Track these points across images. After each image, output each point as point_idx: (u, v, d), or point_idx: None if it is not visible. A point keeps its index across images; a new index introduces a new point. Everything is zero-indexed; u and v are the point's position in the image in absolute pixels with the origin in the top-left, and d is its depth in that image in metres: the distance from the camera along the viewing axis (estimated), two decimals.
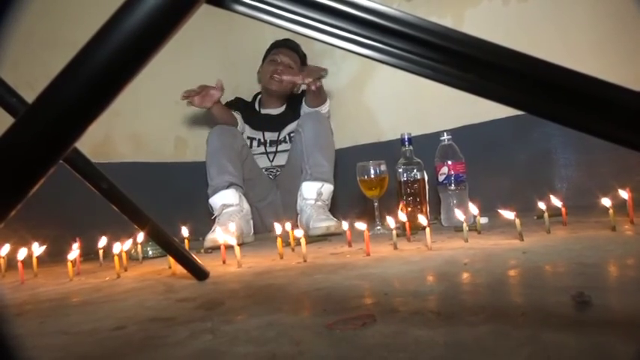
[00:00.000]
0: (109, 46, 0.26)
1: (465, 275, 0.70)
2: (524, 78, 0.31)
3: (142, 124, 1.95)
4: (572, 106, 0.31)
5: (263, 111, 2.11)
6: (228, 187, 1.68)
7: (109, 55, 0.26)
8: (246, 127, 2.08)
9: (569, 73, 0.29)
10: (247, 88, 2.31)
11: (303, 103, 1.99)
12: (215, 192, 1.68)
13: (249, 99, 2.20)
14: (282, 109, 2.13)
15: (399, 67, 0.31)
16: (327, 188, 1.74)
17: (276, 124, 2.07)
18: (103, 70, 0.26)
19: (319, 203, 1.68)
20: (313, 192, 1.70)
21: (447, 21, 1.89)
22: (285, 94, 2.12)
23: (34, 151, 0.26)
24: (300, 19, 0.28)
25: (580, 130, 0.31)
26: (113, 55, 0.26)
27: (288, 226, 1.31)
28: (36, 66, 1.64)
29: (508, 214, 1.06)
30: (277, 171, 1.99)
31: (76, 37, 1.50)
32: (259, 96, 2.17)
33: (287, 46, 2.11)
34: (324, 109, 1.98)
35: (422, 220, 1.11)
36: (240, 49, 2.30)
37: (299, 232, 1.12)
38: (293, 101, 2.12)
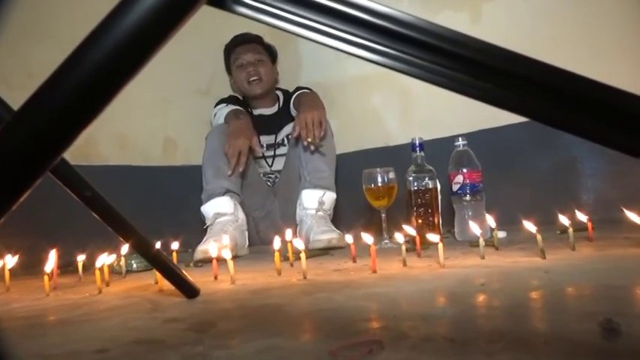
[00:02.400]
0: (102, 49, 0.26)
1: (481, 297, 0.70)
2: (542, 88, 0.31)
3: (127, 124, 1.96)
4: (591, 117, 0.31)
5: (255, 112, 2.11)
6: (223, 194, 1.68)
7: (103, 59, 0.26)
8: None
9: (589, 84, 0.30)
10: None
11: (292, 105, 2.00)
12: (209, 198, 1.69)
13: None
14: (275, 108, 2.13)
15: (411, 74, 0.32)
16: (329, 197, 1.74)
17: (271, 125, 2.07)
18: (96, 74, 0.26)
19: (321, 213, 1.69)
20: (314, 201, 1.70)
21: (463, 15, 1.90)
22: (273, 90, 2.13)
23: (21, 160, 0.27)
24: (305, 22, 0.28)
25: (602, 144, 0.31)
26: (107, 58, 0.26)
27: (288, 234, 1.31)
28: (13, 60, 1.65)
29: (530, 226, 1.06)
30: (276, 177, 1.99)
31: (58, 29, 1.52)
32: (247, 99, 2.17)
33: (241, 42, 2.10)
34: None
35: (434, 235, 1.11)
36: None
37: (299, 243, 1.12)
38: (287, 99, 2.13)
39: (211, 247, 1.20)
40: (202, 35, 2.18)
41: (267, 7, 0.28)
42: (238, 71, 2.08)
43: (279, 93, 2.17)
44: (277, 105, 2.13)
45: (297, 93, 1.99)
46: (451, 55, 0.30)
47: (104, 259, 1.14)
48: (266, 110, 2.12)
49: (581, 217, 1.20)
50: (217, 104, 2.04)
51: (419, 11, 2.00)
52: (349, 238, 1.24)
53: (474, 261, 1.04)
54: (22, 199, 0.29)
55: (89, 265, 1.32)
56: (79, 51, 0.27)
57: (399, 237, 1.14)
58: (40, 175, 0.28)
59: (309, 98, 1.89)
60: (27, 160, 0.27)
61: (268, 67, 2.10)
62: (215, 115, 1.98)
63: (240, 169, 1.71)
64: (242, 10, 0.28)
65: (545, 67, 0.31)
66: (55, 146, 0.27)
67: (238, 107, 1.95)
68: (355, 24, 0.30)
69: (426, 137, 1.61)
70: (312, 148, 1.75)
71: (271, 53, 2.17)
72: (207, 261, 1.37)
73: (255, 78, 2.04)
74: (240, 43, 2.10)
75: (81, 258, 1.30)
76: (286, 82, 2.29)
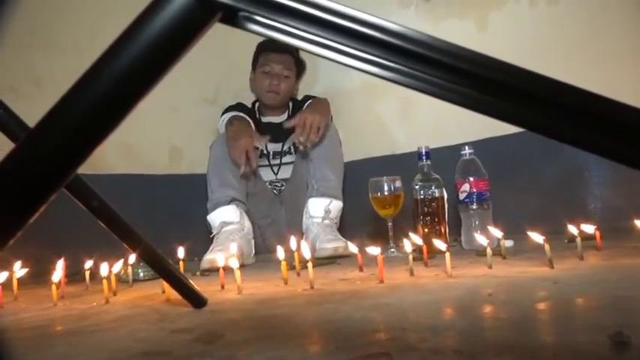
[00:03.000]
0: (115, 69, 0.27)
1: (489, 308, 0.70)
2: (543, 101, 0.31)
3: (133, 133, 1.96)
4: (591, 130, 0.31)
5: (264, 119, 2.12)
6: (229, 202, 1.69)
7: (116, 77, 0.27)
8: None
9: (589, 96, 0.30)
10: (250, 93, 2.32)
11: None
12: (215, 207, 1.69)
13: (250, 99, 2.21)
14: (284, 115, 2.14)
15: (419, 89, 0.32)
16: (336, 205, 1.74)
17: (279, 133, 2.08)
18: (108, 93, 0.27)
19: (327, 222, 1.69)
20: (320, 209, 1.70)
21: (469, 23, 1.91)
22: (285, 102, 2.14)
23: (37, 176, 0.27)
24: (321, 41, 0.29)
25: (603, 156, 0.31)
26: (119, 77, 0.27)
27: (293, 243, 1.31)
28: (19, 67, 1.67)
29: (537, 237, 1.06)
30: (282, 185, 2.00)
31: (62, 35, 1.53)
32: (257, 103, 2.17)
33: (277, 49, 2.03)
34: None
35: (441, 243, 1.11)
36: (244, 48, 2.30)
37: (306, 250, 1.12)
38: (297, 107, 2.14)
39: (218, 257, 1.20)
40: (209, 44, 2.19)
41: (280, 25, 0.28)
42: (262, 76, 2.05)
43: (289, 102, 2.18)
44: (287, 113, 2.13)
45: (311, 100, 1.99)
46: (454, 70, 0.31)
47: (111, 268, 1.14)
48: (275, 118, 2.12)
49: (589, 226, 1.19)
50: (224, 112, 2.04)
51: (425, 19, 2.01)
52: (355, 247, 1.24)
53: (482, 271, 1.04)
54: (37, 215, 0.29)
55: (96, 274, 1.32)
56: (91, 70, 0.27)
57: (406, 246, 1.14)
58: (55, 191, 0.28)
59: (317, 103, 1.91)
60: (43, 176, 0.27)
61: (290, 85, 2.08)
62: (224, 120, 1.98)
63: (254, 166, 1.71)
64: (255, 28, 0.28)
65: (545, 80, 0.31)
66: (70, 163, 0.28)
67: (237, 113, 1.95)
68: (367, 41, 0.30)
69: (432, 145, 1.61)
70: (302, 148, 1.75)
71: (299, 68, 2.13)
72: (213, 270, 1.38)
73: (274, 90, 2.03)
74: (276, 50, 2.03)
75: (88, 266, 1.31)
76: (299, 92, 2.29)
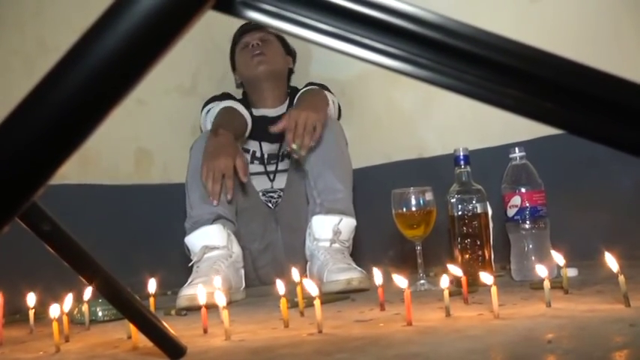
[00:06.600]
0: (91, 63, 0.27)
1: (550, 359, 0.70)
2: (613, 107, 0.32)
3: None
4: None
5: (256, 112, 2.13)
6: (213, 221, 1.69)
7: (91, 73, 0.27)
8: None
9: None
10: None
11: (294, 105, 2.00)
12: (195, 227, 1.69)
13: (238, 96, 2.23)
14: (282, 108, 2.14)
15: (455, 89, 0.33)
16: (347, 224, 1.73)
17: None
18: (82, 91, 0.28)
19: (337, 246, 1.69)
20: (328, 230, 1.70)
21: None
22: (282, 83, 2.15)
23: None
24: (334, 31, 0.29)
25: None
26: (97, 72, 0.27)
27: (295, 275, 1.31)
28: None
29: (610, 262, 1.06)
30: (279, 196, 2.00)
31: (1, 12, 1.53)
32: (247, 96, 2.21)
33: (250, 29, 2.14)
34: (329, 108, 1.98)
35: (485, 274, 1.11)
36: (229, 26, 2.32)
37: (312, 287, 1.12)
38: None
39: (199, 291, 1.20)
40: None
41: (284, 12, 0.29)
42: (241, 54, 2.13)
43: (288, 90, 2.19)
44: (285, 105, 2.14)
45: (303, 90, 2.00)
46: (502, 69, 0.31)
47: (62, 307, 1.15)
48: (270, 111, 2.12)
49: None
50: (207, 103, 2.06)
51: None
52: (375, 279, 1.24)
53: (538, 309, 1.04)
54: None
55: (42, 314, 1.33)
56: (61, 64, 0.28)
57: (440, 277, 1.14)
58: (12, 217, 0.29)
59: (310, 96, 1.91)
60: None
61: (275, 47, 2.14)
62: (208, 111, 2.00)
63: (229, 197, 1.71)
64: (255, 16, 0.29)
65: (612, 80, 0.31)
66: (32, 181, 0.28)
67: (231, 105, 1.98)
68: (384, 30, 0.31)
69: (472, 147, 1.61)
70: (295, 156, 1.76)
71: (282, 40, 2.20)
72: (193, 308, 1.38)
73: (258, 52, 2.06)
74: (247, 30, 2.14)
75: (32, 303, 1.31)
76: (294, 77, 2.30)
